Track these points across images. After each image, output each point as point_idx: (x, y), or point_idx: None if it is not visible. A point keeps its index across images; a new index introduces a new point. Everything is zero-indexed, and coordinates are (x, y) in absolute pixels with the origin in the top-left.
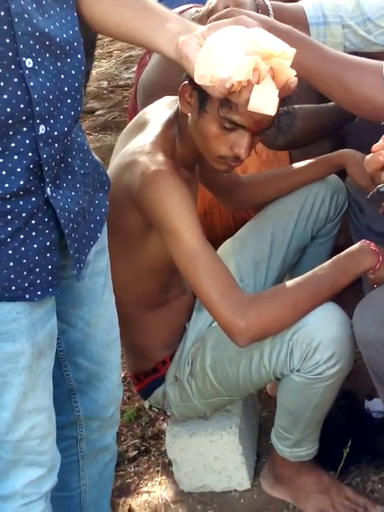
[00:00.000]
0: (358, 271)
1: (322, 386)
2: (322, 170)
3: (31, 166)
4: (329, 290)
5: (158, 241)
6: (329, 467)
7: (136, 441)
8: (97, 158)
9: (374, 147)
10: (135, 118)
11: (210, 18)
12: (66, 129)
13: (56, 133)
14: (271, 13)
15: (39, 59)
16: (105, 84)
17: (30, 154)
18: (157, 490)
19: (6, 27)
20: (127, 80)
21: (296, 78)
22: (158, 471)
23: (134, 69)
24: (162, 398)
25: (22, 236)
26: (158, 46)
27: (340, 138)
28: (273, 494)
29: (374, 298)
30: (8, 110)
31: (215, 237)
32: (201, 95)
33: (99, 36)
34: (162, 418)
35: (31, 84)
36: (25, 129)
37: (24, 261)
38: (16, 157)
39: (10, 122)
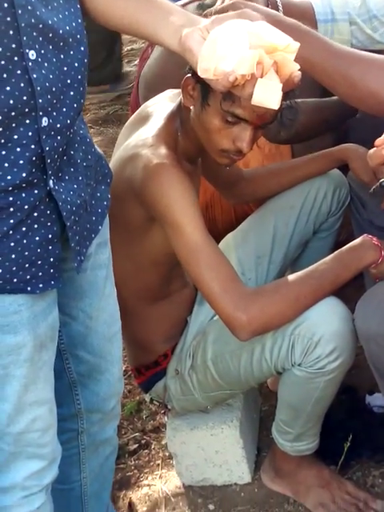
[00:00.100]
0: (360, 266)
1: (323, 380)
2: (324, 165)
3: (34, 159)
4: (331, 285)
5: (160, 234)
6: (329, 461)
7: (136, 434)
8: (99, 150)
9: (378, 141)
10: (137, 111)
11: (214, 10)
12: (68, 121)
13: (58, 125)
14: (280, 8)
15: (42, 51)
16: None
17: (33, 147)
18: (157, 483)
19: (9, 19)
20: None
21: (300, 72)
22: (159, 465)
23: (136, 62)
24: (162, 391)
25: (24, 228)
26: (161, 38)
27: (343, 133)
28: (273, 487)
29: (375, 293)
30: (11, 102)
31: (217, 230)
32: (204, 88)
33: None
34: (162, 411)
35: (34, 76)
36: (27, 121)
37: (26, 253)
38: (18, 149)
39: (13, 114)
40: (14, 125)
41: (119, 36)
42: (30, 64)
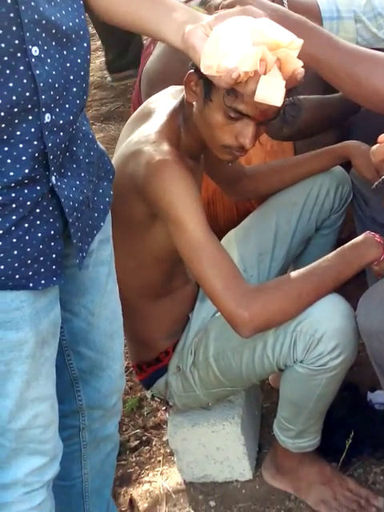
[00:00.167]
0: (363, 263)
1: (325, 377)
2: (326, 162)
3: (36, 155)
4: (333, 282)
5: (162, 231)
6: (331, 458)
7: (137, 431)
8: (102, 147)
9: (381, 138)
10: (140, 107)
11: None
12: (71, 117)
13: (61, 121)
14: (285, 5)
15: (45, 47)
16: (108, 74)
17: (36, 143)
18: (158, 479)
19: (12, 15)
20: None
21: (303, 69)
22: (160, 461)
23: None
24: (164, 388)
25: (26, 225)
26: (164, 35)
27: (345, 130)
28: (274, 484)
29: (377, 290)
30: (14, 98)
31: (218, 227)
32: (206, 84)
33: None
34: (164, 408)
35: (37, 72)
36: (30, 117)
37: (28, 249)
38: (21, 145)
39: (16, 110)
40: (16, 121)
41: None
42: (33, 60)
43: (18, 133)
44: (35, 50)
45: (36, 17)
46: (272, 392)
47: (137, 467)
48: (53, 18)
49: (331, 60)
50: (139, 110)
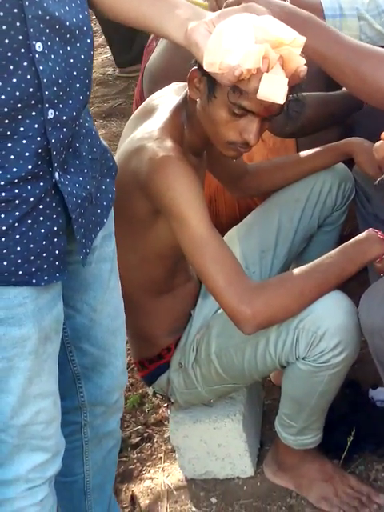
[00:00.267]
0: (365, 260)
1: (327, 374)
2: (329, 159)
3: (39, 151)
4: (336, 279)
5: (165, 227)
6: (332, 455)
7: (139, 427)
8: (104, 143)
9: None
10: (143, 103)
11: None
12: (74, 113)
13: (64, 117)
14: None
15: (49, 43)
16: (110, 70)
17: (39, 139)
18: (160, 476)
19: (16, 10)
20: None
21: (305, 67)
22: (161, 458)
23: None
24: (166, 384)
25: (29, 221)
26: (166, 32)
27: (348, 127)
28: (276, 481)
29: (380, 287)
30: (17, 93)
31: (220, 224)
32: (210, 81)
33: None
34: (165, 404)
35: (41, 68)
36: (34, 113)
37: (31, 246)
38: (24, 141)
39: (19, 105)
40: (20, 117)
41: None
42: (37, 56)
43: (22, 129)
44: (39, 46)
45: (40, 12)
46: (274, 389)
47: (138, 464)
48: (57, 14)
49: (337, 56)
50: (142, 106)
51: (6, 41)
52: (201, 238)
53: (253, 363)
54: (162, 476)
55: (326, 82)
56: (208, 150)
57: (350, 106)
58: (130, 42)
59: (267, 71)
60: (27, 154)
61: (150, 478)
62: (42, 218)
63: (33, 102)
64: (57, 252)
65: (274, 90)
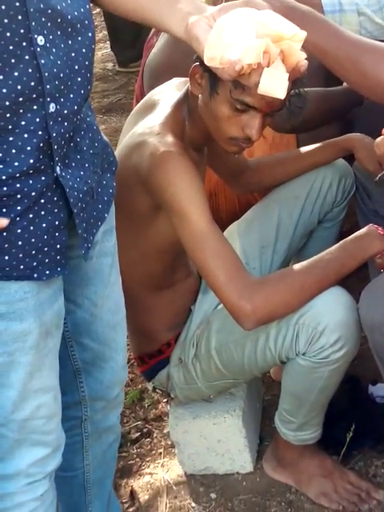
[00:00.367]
0: (366, 255)
1: (327, 369)
2: (329, 154)
3: (41, 145)
4: (336, 274)
5: (166, 222)
6: (332, 451)
7: (139, 423)
8: (105, 138)
9: None
10: (144, 99)
11: None
12: (75, 107)
13: (66, 111)
14: None
15: (51, 37)
16: (110, 66)
17: (40, 133)
18: (159, 471)
19: (18, 4)
20: None
21: (306, 61)
22: (161, 453)
23: None
24: (166, 380)
25: (31, 215)
26: (167, 26)
27: (348, 123)
28: (275, 477)
29: (380, 283)
30: (19, 87)
31: (220, 220)
32: (212, 77)
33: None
34: (165, 400)
35: (42, 62)
36: (35, 107)
37: (33, 240)
38: (26, 135)
39: (21, 99)
40: (21, 111)
41: None
42: (39, 49)
43: (23, 123)
44: (41, 40)
45: (42, 6)
46: (273, 384)
47: (138, 459)
48: (58, 8)
49: (337, 51)
50: (143, 101)
51: (8, 34)
52: (201, 234)
53: (253, 359)
54: (162, 471)
55: (325, 78)
56: (209, 146)
57: (351, 101)
58: (133, 40)
59: (268, 66)
60: (29, 148)
61: (150, 474)
62: (43, 213)
63: (34, 95)
64: (58, 246)
65: (274, 84)
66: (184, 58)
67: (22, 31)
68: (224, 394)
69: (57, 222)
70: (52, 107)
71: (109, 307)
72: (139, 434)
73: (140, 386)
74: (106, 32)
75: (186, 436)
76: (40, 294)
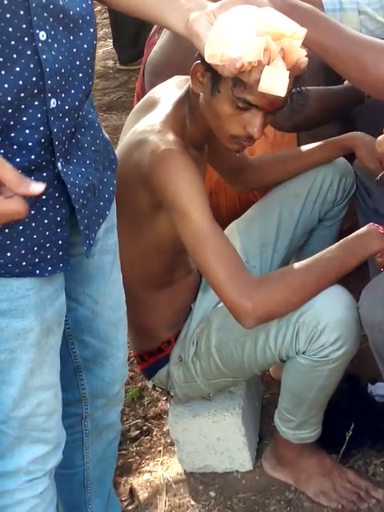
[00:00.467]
0: (366, 254)
1: (327, 368)
2: (330, 153)
3: (42, 141)
4: (336, 273)
5: (166, 220)
6: (331, 450)
7: (138, 420)
8: (107, 136)
9: None
10: (145, 97)
11: None
12: (76, 103)
13: (67, 107)
14: None
15: (52, 32)
16: (111, 63)
17: (42, 128)
18: (158, 469)
19: None
20: None
21: (306, 58)
22: (160, 451)
23: None
24: (165, 378)
25: (32, 211)
26: (168, 21)
27: (349, 122)
28: (274, 475)
29: (380, 282)
30: (20, 82)
31: (221, 218)
32: (214, 75)
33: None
34: (164, 398)
35: (44, 57)
36: (36, 102)
37: (35, 236)
38: (27, 131)
39: (23, 95)
40: (23, 106)
41: None
42: (40, 45)
43: (25, 118)
44: (43, 35)
45: (44, 1)
46: (273, 383)
47: (137, 457)
48: (60, 3)
49: (338, 48)
50: (144, 99)
51: (10, 29)
52: (202, 232)
53: (253, 357)
54: (161, 469)
55: (326, 77)
56: (210, 144)
57: (352, 99)
58: (134, 38)
59: (268, 63)
60: (30, 143)
61: (149, 472)
62: (45, 209)
63: (36, 91)
64: (60, 242)
65: (275, 82)
66: (185, 56)
67: (24, 26)
68: (224, 392)
69: (59, 218)
70: (53, 103)
71: (110, 305)
72: (139, 431)
73: (140, 384)
74: (107, 30)
75: (185, 434)
76: (42, 292)
